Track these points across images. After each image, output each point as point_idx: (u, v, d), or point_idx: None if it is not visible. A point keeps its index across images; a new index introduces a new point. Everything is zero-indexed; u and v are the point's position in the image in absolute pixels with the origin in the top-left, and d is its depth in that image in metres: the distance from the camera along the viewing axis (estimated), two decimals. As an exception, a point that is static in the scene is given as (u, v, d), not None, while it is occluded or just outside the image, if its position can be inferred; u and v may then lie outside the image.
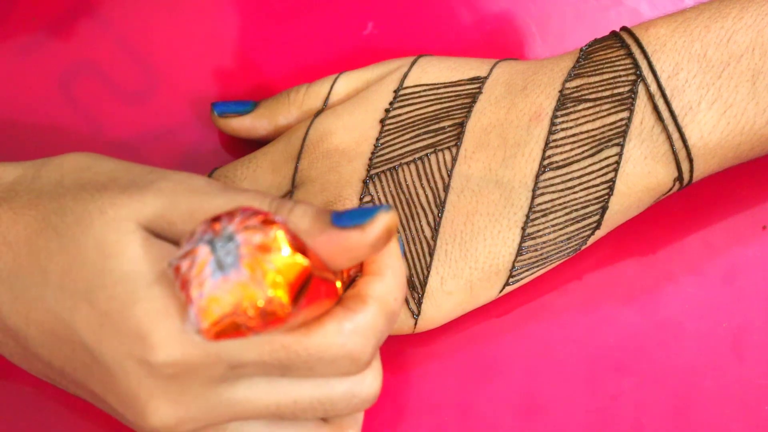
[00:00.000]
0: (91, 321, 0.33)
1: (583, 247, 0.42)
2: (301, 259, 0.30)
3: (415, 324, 0.42)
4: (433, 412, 0.43)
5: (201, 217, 0.34)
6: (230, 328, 0.30)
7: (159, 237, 0.34)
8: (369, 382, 0.36)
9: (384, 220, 0.33)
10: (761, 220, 0.45)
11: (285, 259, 0.30)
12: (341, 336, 0.33)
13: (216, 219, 0.30)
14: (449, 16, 0.49)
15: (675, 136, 0.41)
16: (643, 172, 0.41)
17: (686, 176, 0.41)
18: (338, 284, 0.35)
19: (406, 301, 0.41)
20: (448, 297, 0.41)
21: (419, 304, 0.41)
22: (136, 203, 0.34)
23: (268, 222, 0.30)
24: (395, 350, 0.43)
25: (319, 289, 0.32)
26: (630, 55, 0.41)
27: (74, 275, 0.34)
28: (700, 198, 0.45)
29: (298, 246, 0.31)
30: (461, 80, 0.44)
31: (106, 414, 0.42)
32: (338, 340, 0.33)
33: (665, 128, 0.41)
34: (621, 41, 0.42)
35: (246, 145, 0.46)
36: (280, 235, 0.30)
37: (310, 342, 0.33)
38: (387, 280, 0.36)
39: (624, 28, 0.43)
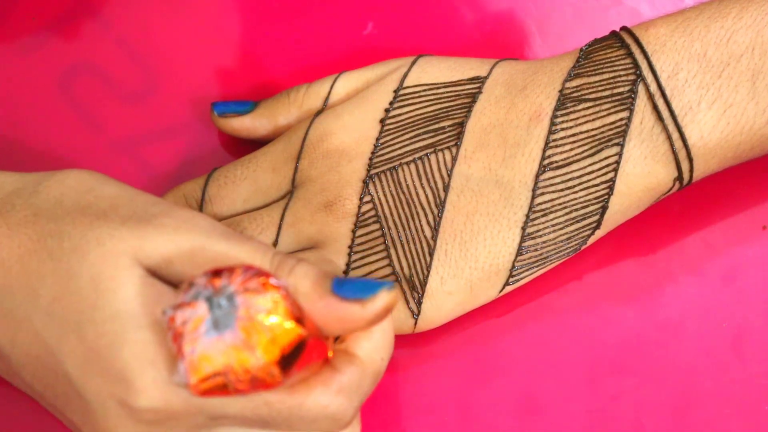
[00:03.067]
0: (78, 354, 0.33)
1: (583, 247, 0.42)
2: (297, 329, 0.30)
3: (415, 324, 0.42)
4: (433, 412, 0.43)
5: (200, 260, 0.33)
6: (218, 387, 0.30)
7: (155, 274, 0.34)
8: None
9: (385, 299, 0.33)
10: (761, 220, 0.45)
11: (282, 327, 0.30)
12: (325, 397, 0.33)
13: (216, 274, 0.30)
14: (449, 16, 0.49)
15: (675, 135, 0.41)
16: (643, 172, 0.41)
17: (686, 176, 0.41)
18: (329, 352, 0.35)
19: (406, 300, 0.41)
20: (448, 297, 0.41)
21: (419, 304, 0.41)
22: (135, 239, 0.33)
23: (268, 286, 0.30)
24: (395, 350, 0.43)
25: (312, 353, 0.32)
26: (630, 54, 0.41)
27: (65, 304, 0.33)
28: (700, 198, 0.45)
29: (296, 312, 0.31)
30: (461, 80, 0.44)
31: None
32: (322, 401, 0.33)
33: (665, 128, 0.41)
34: (621, 41, 0.42)
35: (246, 145, 0.46)
36: (279, 303, 0.30)
37: (293, 401, 0.33)
38: (375, 338, 0.35)
39: (624, 28, 0.43)
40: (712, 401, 0.43)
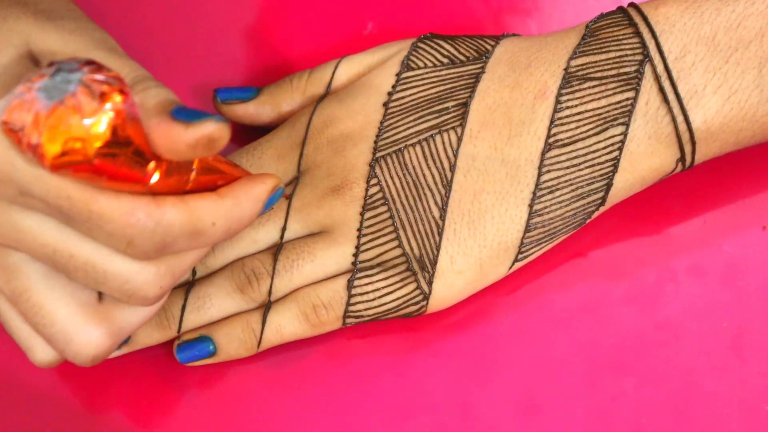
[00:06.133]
0: None
1: (588, 221, 0.42)
2: (111, 118, 0.31)
3: (427, 304, 0.42)
4: (433, 412, 0.43)
5: None
6: (70, 156, 0.31)
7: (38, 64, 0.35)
8: (146, 279, 0.35)
9: (207, 127, 0.32)
10: (761, 220, 0.45)
11: (110, 112, 0.31)
12: (127, 216, 0.33)
13: (81, 64, 0.31)
14: (448, 16, 0.49)
15: (679, 118, 0.41)
16: (647, 152, 0.41)
17: (688, 158, 0.42)
18: (155, 177, 0.34)
19: (417, 281, 0.42)
20: (458, 276, 0.42)
21: (430, 284, 0.42)
22: (33, 27, 0.35)
23: (114, 91, 0.31)
24: (396, 350, 0.43)
25: (133, 162, 0.32)
26: (638, 34, 0.42)
27: None
28: (701, 198, 0.45)
29: (124, 122, 0.31)
30: (464, 61, 0.44)
31: (106, 415, 0.42)
32: (122, 219, 0.33)
33: (670, 110, 0.41)
34: (629, 18, 0.42)
35: (250, 133, 0.46)
36: (115, 96, 0.31)
37: (94, 206, 0.33)
38: (221, 204, 0.35)
39: (632, 5, 0.43)
40: (712, 401, 0.43)
